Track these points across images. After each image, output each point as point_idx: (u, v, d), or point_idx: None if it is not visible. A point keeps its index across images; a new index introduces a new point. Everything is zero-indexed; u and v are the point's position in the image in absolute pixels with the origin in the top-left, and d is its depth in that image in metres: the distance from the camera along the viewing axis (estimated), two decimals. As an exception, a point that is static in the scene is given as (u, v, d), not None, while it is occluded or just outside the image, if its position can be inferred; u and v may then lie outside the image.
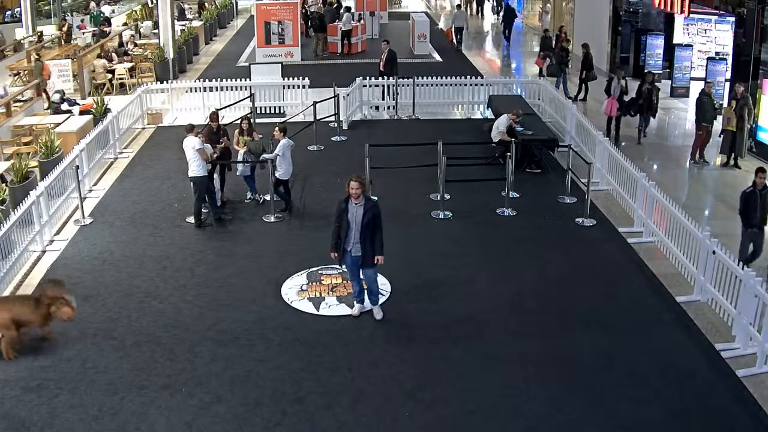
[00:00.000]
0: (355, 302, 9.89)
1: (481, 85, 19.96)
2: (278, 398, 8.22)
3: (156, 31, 27.63)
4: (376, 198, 9.23)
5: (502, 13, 33.32)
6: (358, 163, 13.95)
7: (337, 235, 9.44)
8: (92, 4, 36.22)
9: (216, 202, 12.92)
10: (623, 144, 16.97)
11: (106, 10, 35.44)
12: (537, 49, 25.91)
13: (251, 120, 14.43)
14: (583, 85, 20.82)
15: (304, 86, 19.60)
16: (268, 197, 13.18)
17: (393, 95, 19.42)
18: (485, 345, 9.19)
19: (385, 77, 19.67)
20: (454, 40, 28.84)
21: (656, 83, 17.61)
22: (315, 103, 17.33)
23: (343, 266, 9.89)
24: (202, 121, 15.89)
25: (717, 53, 20.61)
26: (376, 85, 19.59)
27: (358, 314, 9.76)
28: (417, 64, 25.69)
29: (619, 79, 17.28)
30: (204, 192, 12.50)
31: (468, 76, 19.93)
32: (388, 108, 19.55)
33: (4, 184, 12.84)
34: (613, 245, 11.99)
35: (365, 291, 9.82)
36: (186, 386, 8.42)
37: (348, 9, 29.30)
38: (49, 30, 29.56)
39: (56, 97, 18.02)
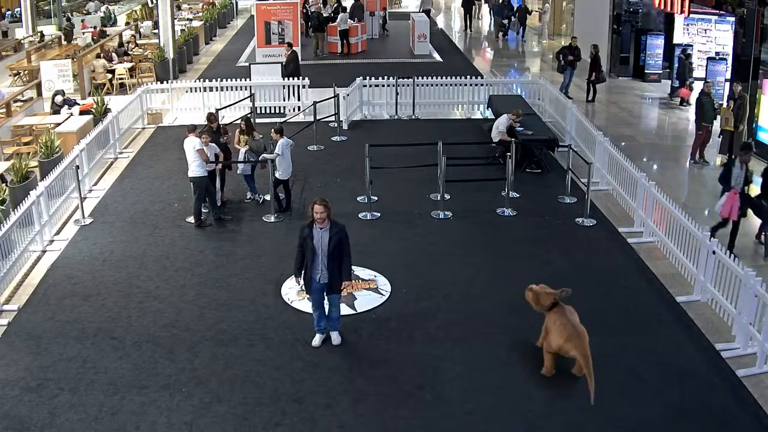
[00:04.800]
0: (316, 332, 9.20)
1: (481, 85, 19.97)
2: (278, 398, 8.22)
3: (156, 31, 27.64)
4: (342, 223, 8.93)
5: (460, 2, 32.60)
6: (358, 163, 13.96)
7: (301, 261, 8.89)
8: (90, 4, 36.22)
9: (216, 202, 12.93)
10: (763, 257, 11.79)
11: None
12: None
13: (250, 119, 14.41)
14: (592, 87, 20.77)
15: (304, 86, 19.61)
16: (268, 197, 13.18)
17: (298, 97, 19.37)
18: (485, 345, 9.19)
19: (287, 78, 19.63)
20: None
21: None
22: (315, 103, 17.35)
23: (307, 296, 9.23)
24: (202, 121, 15.88)
25: (717, 53, 20.63)
26: (376, 85, 19.58)
27: (319, 344, 9.12)
28: (417, 64, 25.71)
29: (743, 165, 11.77)
30: (204, 192, 12.50)
31: (468, 76, 19.94)
32: (297, 108, 19.05)
33: (4, 184, 12.84)
34: (613, 245, 11.99)
35: (326, 318, 9.19)
36: (186, 386, 8.42)
37: (345, 9, 29.31)
38: (49, 30, 29.57)
39: (58, 99, 18.00)
